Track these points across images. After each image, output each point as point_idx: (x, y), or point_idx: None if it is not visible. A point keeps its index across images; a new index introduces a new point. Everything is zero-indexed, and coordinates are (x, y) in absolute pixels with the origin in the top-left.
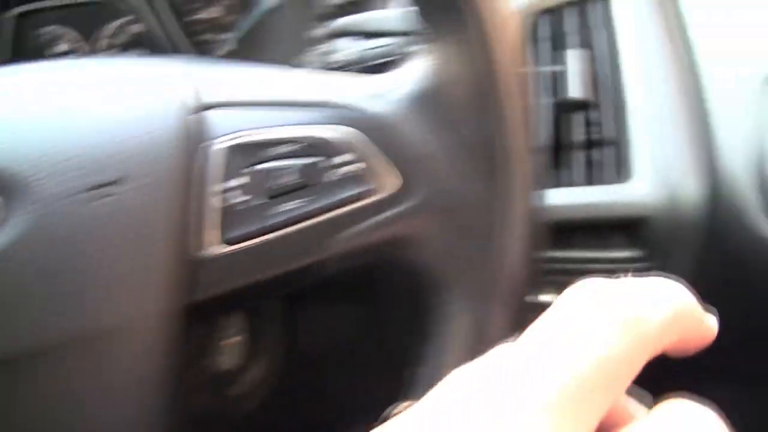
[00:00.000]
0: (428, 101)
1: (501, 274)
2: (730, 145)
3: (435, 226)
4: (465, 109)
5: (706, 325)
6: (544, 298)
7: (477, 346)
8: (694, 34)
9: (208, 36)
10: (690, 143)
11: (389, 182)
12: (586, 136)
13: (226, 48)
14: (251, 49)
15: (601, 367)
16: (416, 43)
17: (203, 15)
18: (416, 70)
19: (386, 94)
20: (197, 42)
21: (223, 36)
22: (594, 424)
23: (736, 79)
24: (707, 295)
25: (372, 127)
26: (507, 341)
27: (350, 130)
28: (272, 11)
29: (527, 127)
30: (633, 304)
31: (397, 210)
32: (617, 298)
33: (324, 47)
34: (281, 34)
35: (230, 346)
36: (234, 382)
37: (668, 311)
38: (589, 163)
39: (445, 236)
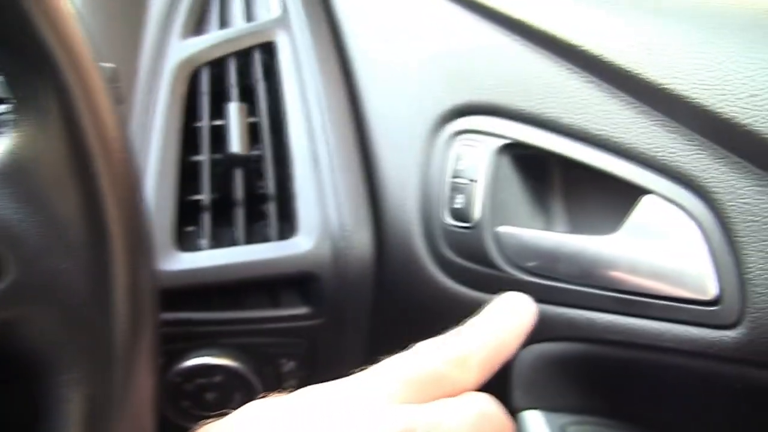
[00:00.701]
0: (11, 178)
1: (113, 348)
2: (399, 194)
3: (33, 309)
4: (53, 184)
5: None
6: (213, 361)
7: (97, 426)
8: (363, 82)
9: None
10: (357, 195)
11: None
12: (250, 192)
13: None
14: None
15: None
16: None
17: None
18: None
19: None
20: None
21: None
22: None
23: (404, 127)
24: (391, 346)
25: None
26: None
27: None
28: None
29: (128, 196)
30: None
31: None
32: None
33: None
34: None
35: None
36: None
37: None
38: (255, 220)
39: (46, 318)
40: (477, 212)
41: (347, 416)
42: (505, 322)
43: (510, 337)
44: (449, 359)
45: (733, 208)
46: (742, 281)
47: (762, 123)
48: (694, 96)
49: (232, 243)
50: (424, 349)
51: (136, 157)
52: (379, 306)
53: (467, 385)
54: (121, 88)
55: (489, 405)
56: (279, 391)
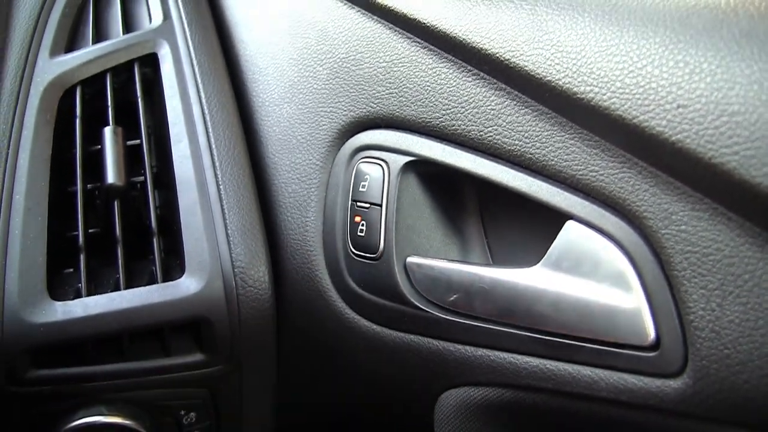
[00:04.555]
0: None
1: None
2: (298, 222)
3: None
4: None
5: None
6: (102, 419)
7: None
8: (255, 95)
9: None
10: (250, 224)
11: None
12: (136, 225)
13: None
14: None
15: None
16: None
17: None
18: None
19: None
20: None
21: None
22: None
23: (301, 145)
24: (300, 387)
25: None
26: None
27: None
28: None
29: None
30: None
31: None
32: None
33: None
34: None
35: None
36: None
37: None
38: (143, 255)
39: None
40: (382, 241)
41: None
42: None
43: None
44: None
45: (667, 236)
46: (683, 323)
47: (693, 139)
48: (614, 107)
49: (116, 285)
50: None
51: None
52: (283, 345)
53: None
54: None
55: None
56: None
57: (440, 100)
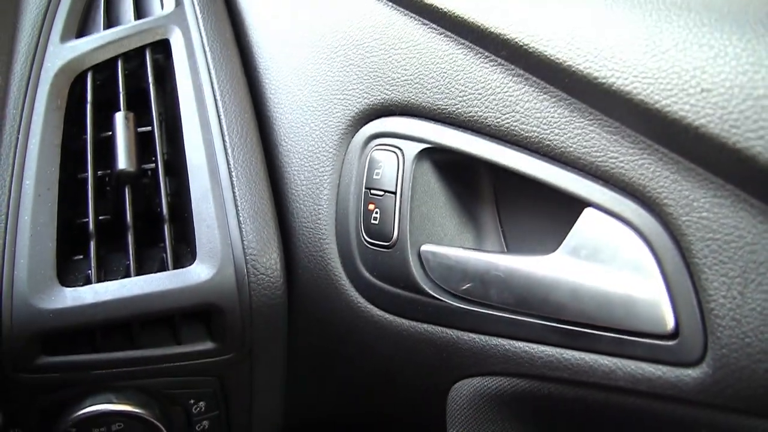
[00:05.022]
0: None
1: None
2: (310, 209)
3: None
4: None
5: None
6: (111, 407)
7: None
8: (268, 82)
9: None
10: (262, 212)
11: None
12: (147, 211)
13: None
14: None
15: None
16: None
17: None
18: None
19: None
20: None
21: None
22: None
23: (314, 132)
24: (310, 377)
25: None
26: None
27: None
28: None
29: None
30: None
31: None
32: None
33: None
34: None
35: None
36: None
37: None
38: (153, 242)
39: None
40: (396, 229)
41: None
42: None
43: None
44: None
45: (688, 223)
46: (703, 311)
47: (717, 124)
48: (636, 91)
49: (126, 272)
50: None
51: None
52: (294, 334)
53: None
54: None
55: None
56: None
57: (456, 86)
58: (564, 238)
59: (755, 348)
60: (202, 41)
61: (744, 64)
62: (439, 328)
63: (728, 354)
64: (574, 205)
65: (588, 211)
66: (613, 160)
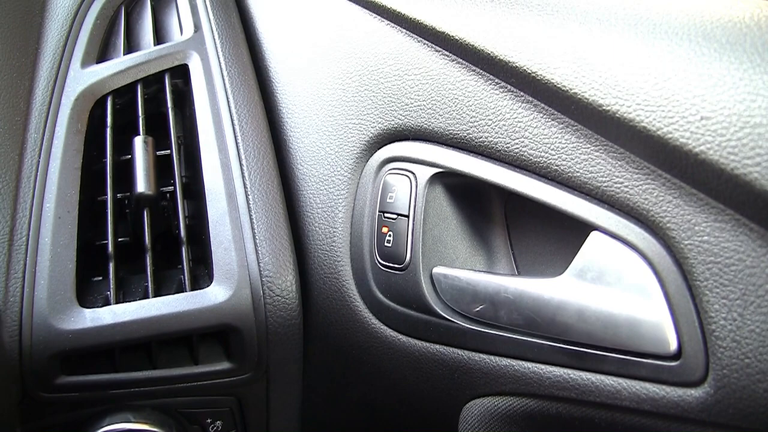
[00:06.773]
0: None
1: None
2: (325, 232)
3: None
4: None
5: None
6: (130, 426)
7: None
8: (285, 107)
9: None
10: (278, 234)
11: None
12: (159, 236)
13: None
14: None
15: None
16: None
17: None
18: None
19: None
20: None
21: None
22: None
23: (329, 156)
24: (326, 396)
25: None
26: None
27: None
28: None
29: None
30: None
31: None
32: None
33: None
34: None
35: None
36: None
37: None
38: (172, 264)
39: None
40: (409, 252)
41: None
42: None
43: None
44: None
45: (690, 247)
46: (705, 333)
47: (716, 151)
48: (639, 118)
49: (144, 293)
50: None
51: None
52: (309, 354)
53: None
54: None
55: None
56: None
57: (468, 112)
58: (571, 261)
59: (755, 368)
60: (220, 66)
61: (742, 93)
62: (450, 349)
63: (729, 374)
64: (581, 229)
65: (594, 235)
66: (619, 185)
